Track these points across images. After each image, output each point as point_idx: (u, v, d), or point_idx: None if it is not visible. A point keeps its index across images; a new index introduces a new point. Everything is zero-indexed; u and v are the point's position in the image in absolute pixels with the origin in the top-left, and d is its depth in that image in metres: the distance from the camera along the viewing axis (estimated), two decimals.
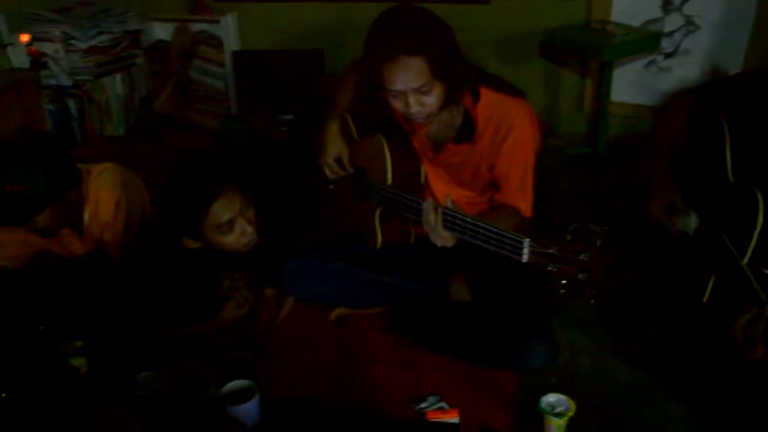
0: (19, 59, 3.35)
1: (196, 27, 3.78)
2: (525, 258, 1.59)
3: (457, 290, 2.16)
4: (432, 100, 1.88)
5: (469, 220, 1.75)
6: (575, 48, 3.23)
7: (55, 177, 2.18)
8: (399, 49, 1.79)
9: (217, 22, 3.71)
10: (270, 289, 2.24)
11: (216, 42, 3.77)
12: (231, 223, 2.08)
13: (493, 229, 1.68)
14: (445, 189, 2.13)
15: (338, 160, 2.25)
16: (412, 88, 1.83)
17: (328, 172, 2.27)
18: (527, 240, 1.58)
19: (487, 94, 1.99)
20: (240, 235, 2.11)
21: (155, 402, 1.83)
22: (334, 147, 2.24)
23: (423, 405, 1.88)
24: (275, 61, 3.71)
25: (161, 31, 3.91)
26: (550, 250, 1.53)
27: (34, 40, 3.37)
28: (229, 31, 3.74)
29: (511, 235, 1.62)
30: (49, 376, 1.98)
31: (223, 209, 2.05)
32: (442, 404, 1.88)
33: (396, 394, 1.94)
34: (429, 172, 2.15)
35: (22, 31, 3.36)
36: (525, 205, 2.03)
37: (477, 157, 2.04)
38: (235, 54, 3.78)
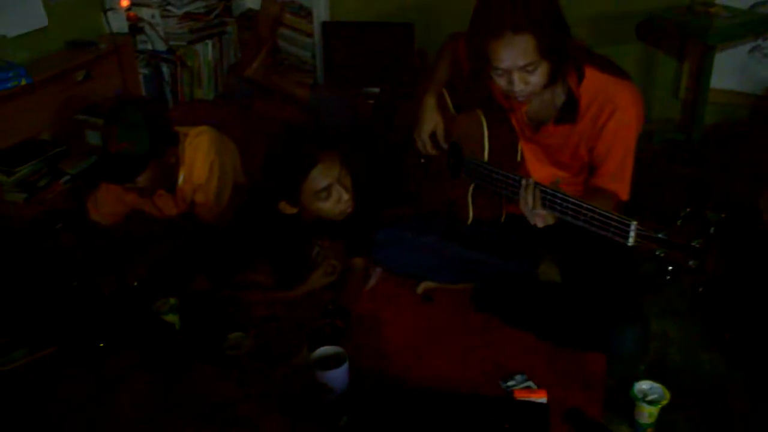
0: (117, 24, 3.43)
1: None
2: (631, 241, 1.55)
3: (547, 270, 2.13)
4: (536, 78, 1.83)
5: (570, 199, 1.72)
6: (676, 30, 3.12)
7: (157, 138, 2.24)
8: (506, 26, 1.75)
9: None
10: (359, 258, 2.25)
11: (305, 12, 3.79)
12: (329, 189, 2.11)
13: (597, 210, 1.64)
14: (540, 168, 2.11)
15: (432, 135, 2.24)
16: (518, 66, 1.80)
17: (421, 146, 2.26)
18: (634, 223, 1.54)
19: (591, 74, 1.93)
20: (336, 201, 2.14)
21: (246, 362, 1.88)
22: (430, 121, 2.23)
23: (510, 383, 1.87)
24: (364, 34, 3.70)
25: (250, 1, 3.96)
26: (659, 235, 1.49)
27: (132, 5, 3.45)
28: (319, 1, 3.74)
29: (617, 217, 1.58)
30: (144, 330, 2.05)
31: (323, 175, 2.08)
32: (529, 383, 1.87)
33: (481, 370, 1.94)
34: (525, 150, 2.12)
35: None
36: (622, 189, 1.97)
37: (577, 138, 2.00)
38: (324, 25, 3.78)
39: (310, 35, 3.80)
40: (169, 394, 1.90)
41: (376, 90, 3.61)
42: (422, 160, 2.38)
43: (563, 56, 1.85)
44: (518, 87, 1.84)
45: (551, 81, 1.88)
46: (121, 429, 1.82)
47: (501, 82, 1.87)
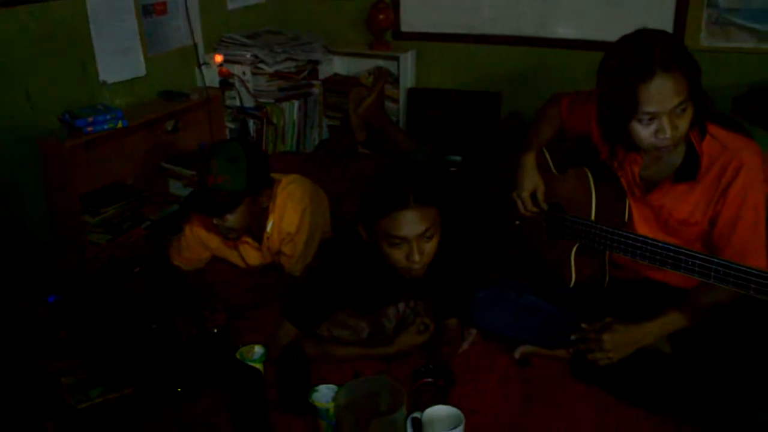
0: (209, 78, 3.51)
1: (373, 63, 3.87)
2: None
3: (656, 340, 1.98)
4: (685, 123, 1.73)
5: (723, 263, 1.60)
6: None
7: (254, 176, 2.22)
8: (656, 65, 1.67)
9: (396, 59, 3.76)
10: (453, 319, 2.14)
11: (392, 78, 3.81)
12: (405, 240, 1.89)
13: (732, 265, 1.53)
14: (648, 230, 1.99)
15: (532, 195, 2.16)
16: (671, 107, 1.70)
17: (521, 206, 2.18)
18: None
19: (714, 131, 1.84)
20: (405, 257, 1.90)
21: (337, 416, 1.77)
22: (530, 181, 2.16)
23: None
24: (449, 101, 3.69)
25: (339, 65, 4.02)
26: None
27: (226, 61, 3.52)
28: (407, 68, 3.77)
29: (758, 272, 1.46)
30: (227, 376, 1.96)
31: (406, 223, 1.86)
32: None
33: None
34: (634, 211, 2.02)
35: (216, 53, 3.51)
36: (761, 261, 1.81)
37: (695, 199, 1.89)
38: (410, 91, 3.80)
39: (395, 101, 3.81)
40: None
41: (458, 158, 3.56)
42: (517, 222, 2.29)
43: (703, 99, 1.76)
44: (669, 133, 1.71)
45: (692, 127, 1.78)
46: None
47: (644, 133, 1.75)
